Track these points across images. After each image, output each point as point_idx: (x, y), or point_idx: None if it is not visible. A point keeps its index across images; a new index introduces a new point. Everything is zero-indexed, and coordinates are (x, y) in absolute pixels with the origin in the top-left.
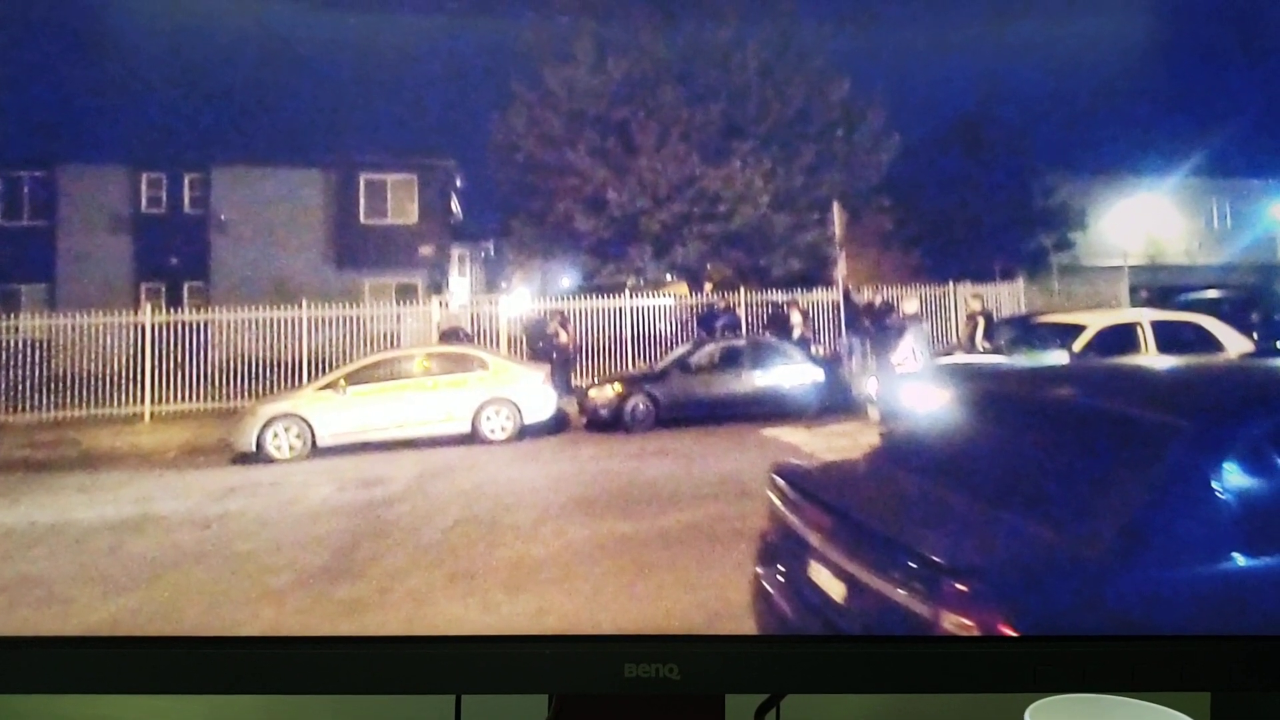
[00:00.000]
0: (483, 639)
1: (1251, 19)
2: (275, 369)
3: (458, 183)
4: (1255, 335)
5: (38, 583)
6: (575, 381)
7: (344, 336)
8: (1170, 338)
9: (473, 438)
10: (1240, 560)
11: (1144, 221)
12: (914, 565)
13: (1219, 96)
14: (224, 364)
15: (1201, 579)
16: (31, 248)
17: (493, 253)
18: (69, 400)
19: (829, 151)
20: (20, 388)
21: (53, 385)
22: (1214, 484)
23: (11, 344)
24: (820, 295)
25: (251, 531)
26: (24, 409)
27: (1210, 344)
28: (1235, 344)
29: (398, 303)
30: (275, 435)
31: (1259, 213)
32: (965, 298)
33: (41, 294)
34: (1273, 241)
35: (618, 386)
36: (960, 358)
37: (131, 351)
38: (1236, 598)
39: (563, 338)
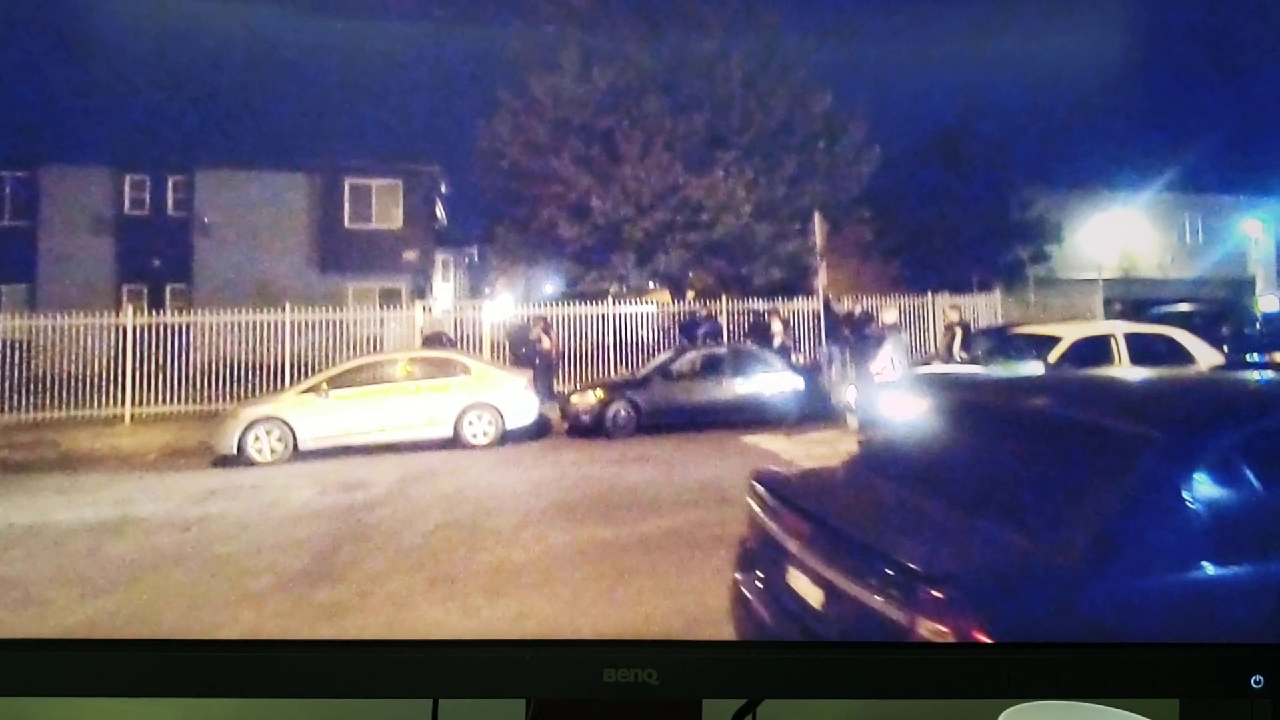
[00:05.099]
0: (461, 643)
1: (1224, 38)
2: (258, 372)
3: (442, 189)
4: (1225, 348)
5: (15, 584)
6: (557, 387)
7: (327, 340)
8: (1143, 350)
9: (455, 442)
10: (1209, 569)
11: (1118, 235)
12: (891, 572)
13: (1192, 113)
14: (206, 366)
15: (1172, 587)
16: (13, 248)
17: (477, 258)
18: (49, 401)
19: (811, 162)
20: None
21: (32, 386)
22: (1184, 494)
23: None
24: (801, 304)
25: (232, 534)
26: (3, 410)
27: (1182, 356)
28: (1206, 356)
29: (381, 307)
30: (257, 438)
31: (1230, 228)
32: (943, 308)
33: (22, 294)
34: (1243, 256)
35: (600, 393)
36: (938, 367)
37: (113, 353)
38: (1205, 606)
39: (545, 344)
